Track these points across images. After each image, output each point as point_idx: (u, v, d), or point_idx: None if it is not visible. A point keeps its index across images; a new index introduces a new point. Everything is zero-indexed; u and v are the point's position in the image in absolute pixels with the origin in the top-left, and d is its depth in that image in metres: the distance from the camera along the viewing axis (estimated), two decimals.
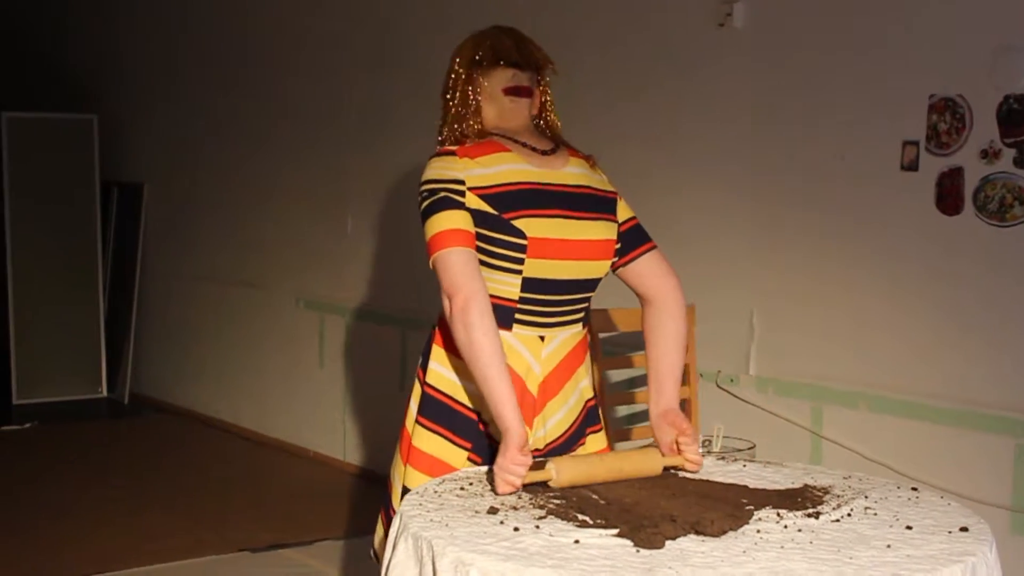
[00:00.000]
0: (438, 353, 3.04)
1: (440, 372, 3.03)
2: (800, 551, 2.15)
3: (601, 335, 4.28)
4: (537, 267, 2.88)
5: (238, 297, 7.82)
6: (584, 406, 3.07)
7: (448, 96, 3.03)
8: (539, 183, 2.91)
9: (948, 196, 4.01)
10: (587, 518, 2.33)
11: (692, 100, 4.80)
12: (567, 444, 3.02)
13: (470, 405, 2.98)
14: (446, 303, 2.79)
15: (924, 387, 4.11)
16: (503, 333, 2.86)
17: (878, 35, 4.20)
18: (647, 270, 3.01)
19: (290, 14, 7.21)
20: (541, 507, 2.42)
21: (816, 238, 4.41)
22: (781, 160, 4.49)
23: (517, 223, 2.85)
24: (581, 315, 3.03)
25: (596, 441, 3.12)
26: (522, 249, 2.86)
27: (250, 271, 7.69)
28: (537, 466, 2.60)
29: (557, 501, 2.47)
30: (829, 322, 4.39)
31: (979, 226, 3.93)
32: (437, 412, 3.00)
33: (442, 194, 2.85)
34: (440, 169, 2.89)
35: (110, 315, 8.91)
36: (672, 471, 2.76)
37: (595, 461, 2.66)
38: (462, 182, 2.85)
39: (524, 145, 2.97)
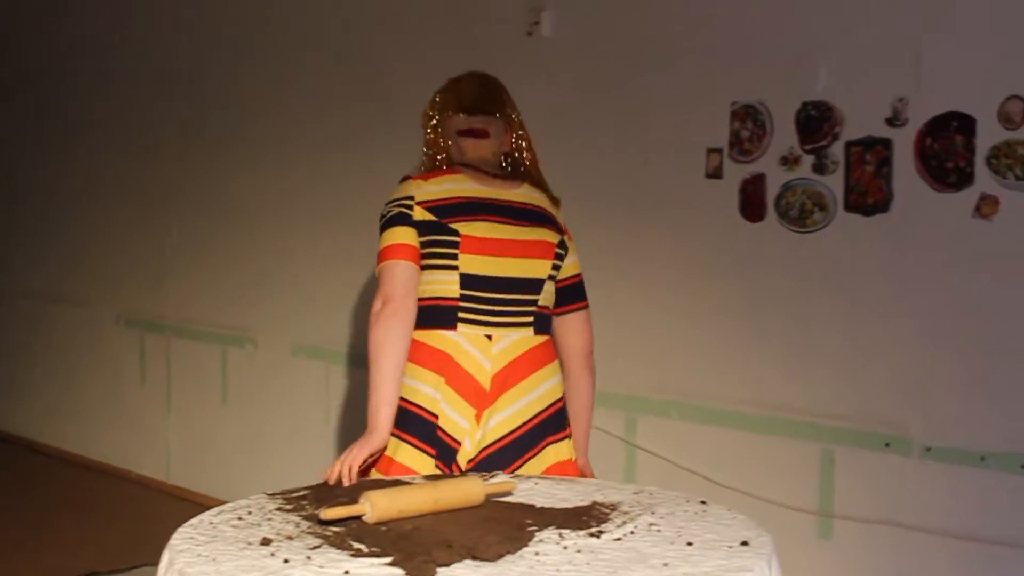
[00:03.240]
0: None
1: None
2: (576, 573, 2.08)
3: None
4: (471, 263, 3.11)
5: (57, 315, 7.58)
6: (549, 408, 3.17)
7: (424, 134, 3.36)
8: (481, 197, 3.19)
9: (752, 203, 4.01)
10: (362, 546, 2.24)
11: None
12: (515, 448, 3.11)
13: (426, 407, 3.08)
14: (377, 304, 3.03)
15: (732, 394, 4.12)
16: (448, 333, 3.09)
17: (682, 44, 4.20)
18: (569, 326, 3.33)
19: (103, 29, 7.02)
20: (317, 536, 2.33)
21: (622, 248, 4.40)
22: (587, 169, 4.47)
23: (453, 225, 3.11)
24: (530, 318, 3.18)
25: (557, 451, 3.18)
26: (455, 245, 3.10)
27: (69, 289, 7.47)
28: (352, 501, 2.49)
29: (336, 529, 2.37)
30: (639, 333, 4.37)
31: (781, 232, 3.95)
32: (402, 419, 3.09)
33: (394, 211, 3.13)
34: (398, 191, 3.19)
35: None
36: (496, 498, 2.66)
37: (413, 492, 2.55)
38: (411, 198, 3.14)
39: (477, 170, 3.25)
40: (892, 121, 3.69)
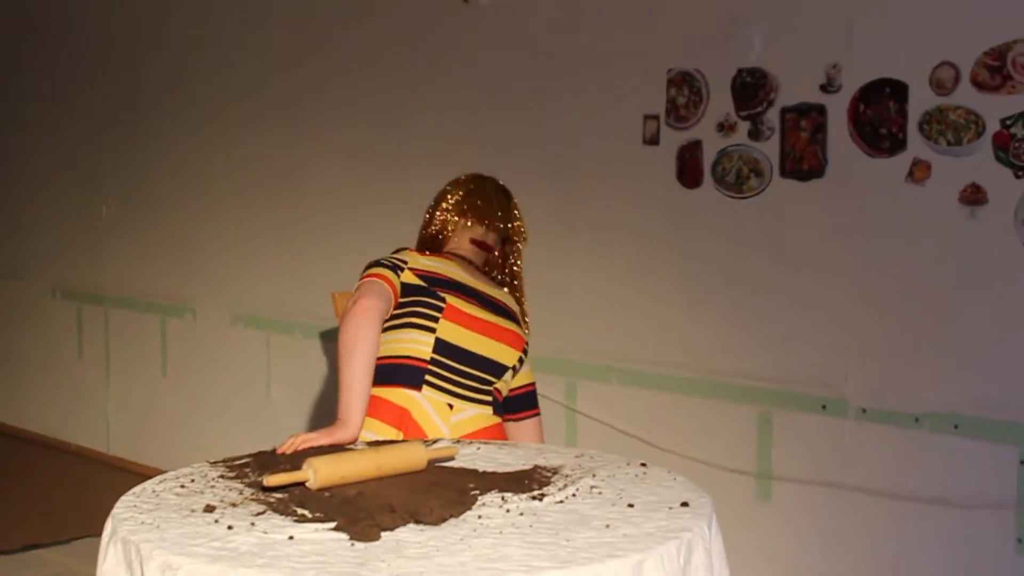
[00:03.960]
0: None
1: None
2: (519, 535, 2.09)
3: None
4: (450, 330, 3.19)
5: None
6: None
7: (428, 218, 3.49)
8: (466, 283, 3.31)
9: (688, 169, 4.03)
10: (306, 512, 2.23)
11: (437, 77, 4.74)
12: None
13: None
14: (350, 304, 3.05)
15: (670, 358, 4.14)
16: (412, 392, 3.14)
17: (617, 12, 4.20)
18: (525, 432, 3.46)
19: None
20: (260, 502, 2.32)
21: (560, 214, 4.40)
22: (523, 138, 4.47)
23: (440, 292, 3.22)
24: (489, 398, 3.26)
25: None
26: (439, 309, 3.19)
27: (3, 261, 7.37)
28: (295, 467, 2.49)
29: (279, 496, 2.37)
30: (578, 299, 4.39)
31: (718, 198, 3.97)
32: None
33: (387, 262, 3.25)
34: (394, 253, 3.34)
35: None
36: (438, 463, 2.66)
37: (355, 458, 2.53)
38: (405, 262, 3.26)
39: (471, 264, 3.41)
40: (826, 88, 3.71)
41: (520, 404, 3.46)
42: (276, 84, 5.51)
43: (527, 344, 3.41)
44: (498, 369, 3.28)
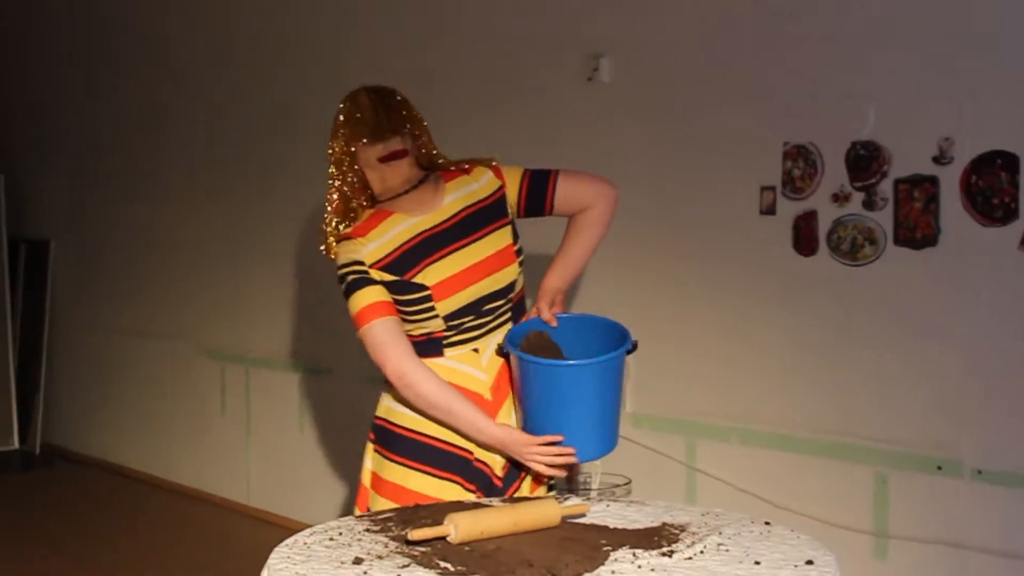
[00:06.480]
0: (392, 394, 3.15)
1: (402, 410, 3.11)
2: None
3: None
4: (448, 304, 3.02)
5: (143, 348, 7.68)
6: None
7: (334, 177, 3.14)
8: (426, 230, 3.04)
9: (804, 238, 4.03)
10: (448, 565, 2.27)
11: (563, 151, 4.80)
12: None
13: (452, 442, 3.07)
14: (386, 373, 2.99)
15: (789, 419, 4.12)
16: (437, 360, 3.04)
17: (735, 88, 4.23)
18: (568, 196, 3.14)
19: (187, 69, 7.13)
20: (405, 555, 2.37)
21: (681, 280, 4.42)
22: (646, 207, 4.50)
23: (417, 279, 3.00)
24: (507, 315, 3.12)
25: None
26: (428, 299, 3.01)
27: (154, 322, 7.57)
28: (436, 522, 2.53)
29: (422, 549, 2.41)
30: (697, 360, 4.39)
31: (833, 266, 3.96)
32: (415, 450, 3.09)
33: (351, 277, 3.01)
34: (345, 254, 3.04)
35: (20, 368, 8.71)
36: (571, 519, 2.69)
37: (493, 514, 2.57)
38: (362, 263, 3.00)
39: (405, 198, 3.08)
40: (938, 159, 3.70)
41: (537, 191, 3.13)
42: None
43: (505, 203, 3.12)
44: (506, 291, 3.10)
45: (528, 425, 3.01)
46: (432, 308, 3.02)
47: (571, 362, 2.98)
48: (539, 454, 2.97)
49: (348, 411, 6.04)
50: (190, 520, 6.67)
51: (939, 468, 3.73)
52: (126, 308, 7.87)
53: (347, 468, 6.03)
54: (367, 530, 2.59)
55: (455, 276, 3.02)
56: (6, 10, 8.97)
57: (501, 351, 3.10)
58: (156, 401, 7.58)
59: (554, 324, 3.06)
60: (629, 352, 3.03)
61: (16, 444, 8.59)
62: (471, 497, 3.05)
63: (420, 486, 3.09)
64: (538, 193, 3.14)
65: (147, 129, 7.54)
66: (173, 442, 7.41)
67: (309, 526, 2.77)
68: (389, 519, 2.70)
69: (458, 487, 3.08)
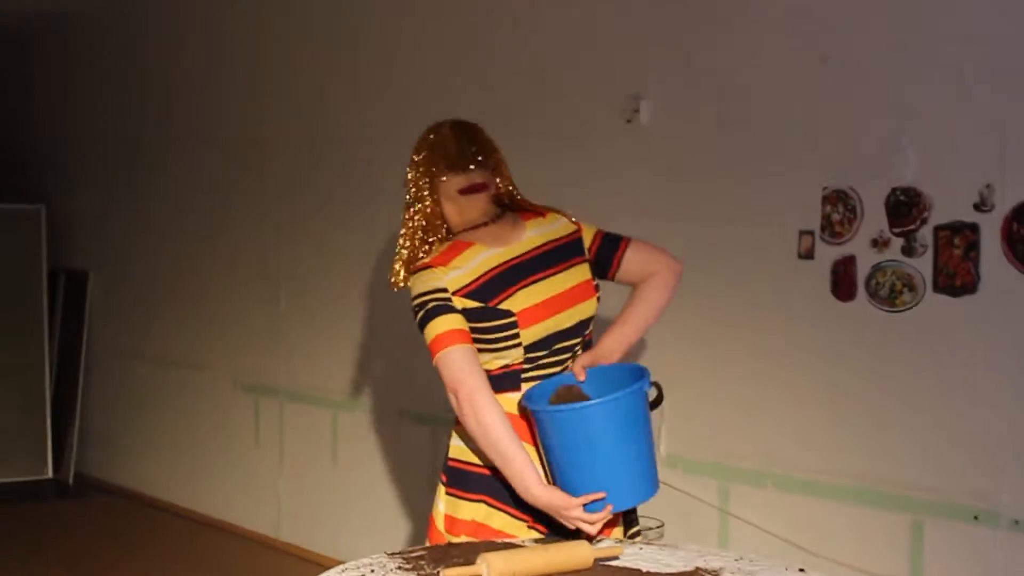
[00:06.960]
0: (461, 432, 3.10)
1: (475, 447, 3.04)
2: None
3: None
4: (532, 332, 2.98)
5: (179, 379, 7.70)
6: None
7: (411, 206, 3.11)
8: (510, 259, 3.01)
9: (842, 283, 4.00)
10: None
11: (601, 192, 4.79)
12: None
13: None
14: (452, 399, 2.90)
15: (825, 466, 4.07)
16: (514, 395, 2.97)
17: (773, 132, 4.21)
18: (634, 264, 3.15)
19: (219, 107, 7.18)
20: None
21: (719, 321, 4.39)
22: (683, 248, 4.46)
23: (503, 306, 2.95)
24: (579, 350, 3.09)
25: None
26: (513, 326, 2.96)
27: (190, 353, 7.59)
28: (468, 562, 2.51)
29: None
30: (732, 404, 4.35)
31: (871, 311, 3.92)
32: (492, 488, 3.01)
33: (431, 304, 2.93)
34: (424, 283, 2.97)
35: (56, 397, 8.74)
36: (603, 562, 2.65)
37: (526, 555, 2.55)
38: (445, 290, 2.94)
39: (484, 230, 3.05)
40: (979, 207, 3.66)
41: (608, 253, 3.14)
42: None
43: (582, 243, 3.12)
44: (583, 326, 3.08)
45: (558, 480, 2.88)
46: (516, 336, 2.96)
47: (577, 404, 2.83)
48: (579, 518, 2.79)
49: (382, 446, 6.03)
50: (221, 553, 6.66)
51: (976, 518, 3.68)
52: (162, 339, 7.90)
53: (379, 503, 6.01)
54: (399, 567, 2.57)
55: (540, 304, 2.99)
56: (44, 53, 9.07)
57: (520, 409, 3.00)
58: (190, 433, 7.59)
59: (582, 378, 3.00)
60: (656, 401, 2.97)
61: (50, 473, 8.61)
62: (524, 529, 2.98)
63: (503, 525, 3.00)
64: (608, 252, 3.14)
65: (184, 166, 7.59)
66: (206, 474, 7.41)
67: (340, 562, 2.75)
68: (421, 557, 2.68)
69: (535, 531, 2.99)
